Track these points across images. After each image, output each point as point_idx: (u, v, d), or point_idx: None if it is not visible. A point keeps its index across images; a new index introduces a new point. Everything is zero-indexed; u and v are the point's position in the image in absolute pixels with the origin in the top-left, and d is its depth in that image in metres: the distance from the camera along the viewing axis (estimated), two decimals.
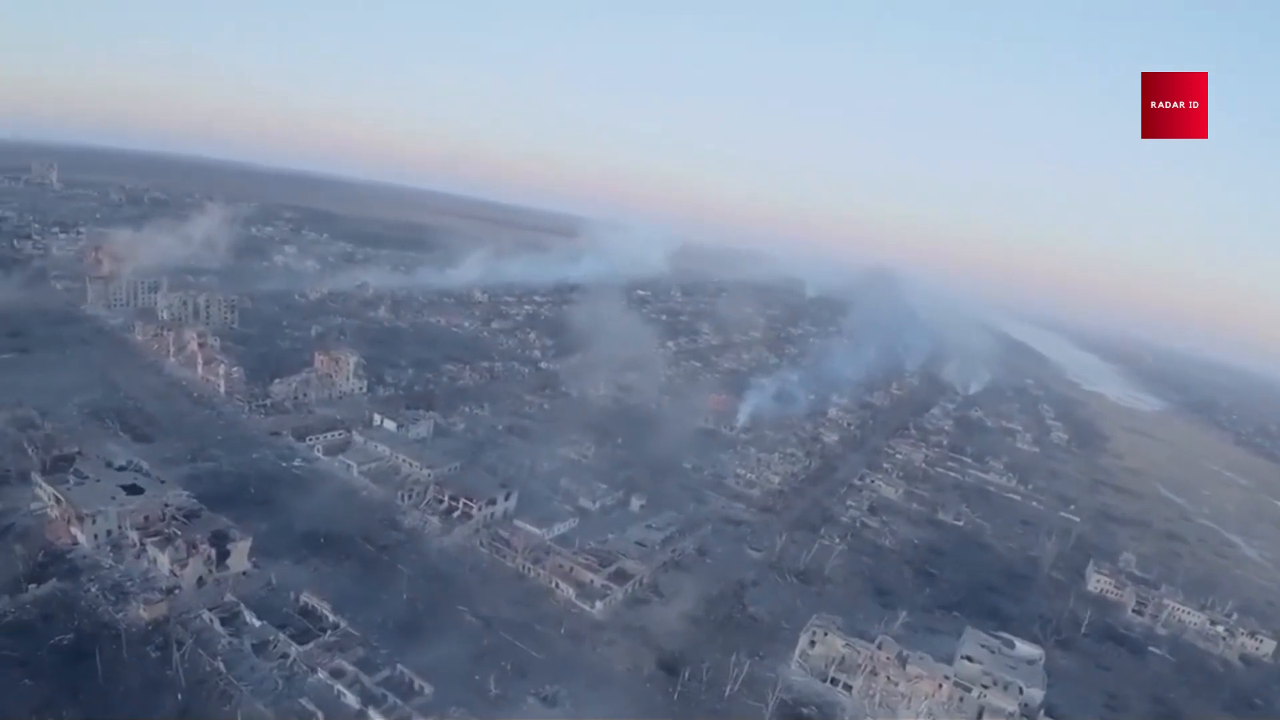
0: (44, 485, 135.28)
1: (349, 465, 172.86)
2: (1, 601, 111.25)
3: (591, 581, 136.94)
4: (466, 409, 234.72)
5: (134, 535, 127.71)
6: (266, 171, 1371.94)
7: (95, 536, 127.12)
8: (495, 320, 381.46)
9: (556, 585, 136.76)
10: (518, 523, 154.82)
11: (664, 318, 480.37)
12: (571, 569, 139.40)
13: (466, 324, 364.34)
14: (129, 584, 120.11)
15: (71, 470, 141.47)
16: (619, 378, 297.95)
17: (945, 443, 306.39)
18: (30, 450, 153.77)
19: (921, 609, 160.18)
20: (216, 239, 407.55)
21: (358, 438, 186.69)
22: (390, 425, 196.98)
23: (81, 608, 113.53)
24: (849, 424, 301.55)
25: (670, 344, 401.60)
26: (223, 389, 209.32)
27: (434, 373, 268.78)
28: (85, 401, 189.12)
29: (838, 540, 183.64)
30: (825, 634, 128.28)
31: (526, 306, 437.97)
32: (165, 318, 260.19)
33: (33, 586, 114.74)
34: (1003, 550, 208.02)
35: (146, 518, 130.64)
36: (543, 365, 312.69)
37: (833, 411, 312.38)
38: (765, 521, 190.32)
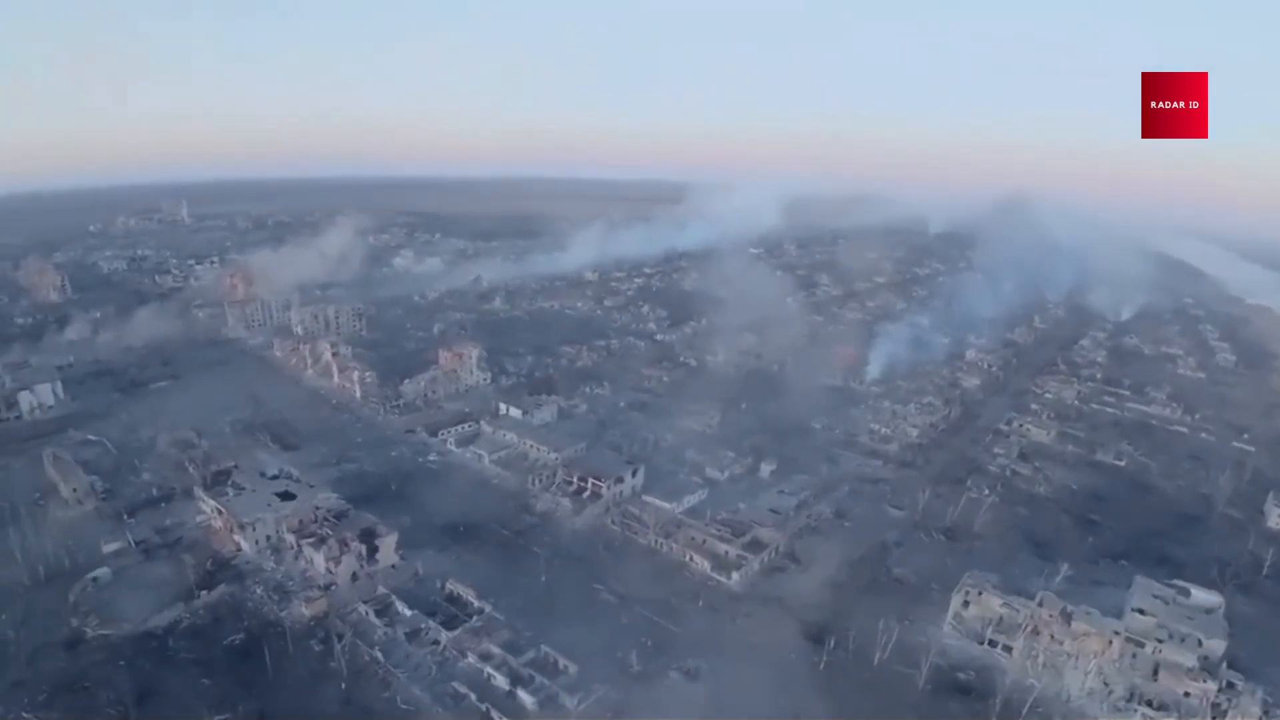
0: (206, 499, 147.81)
1: (480, 455, 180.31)
2: (176, 609, 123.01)
3: (726, 553, 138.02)
4: (587, 389, 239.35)
5: (291, 538, 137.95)
6: (375, 181, 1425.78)
7: (256, 542, 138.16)
8: (607, 298, 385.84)
9: (690, 558, 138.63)
10: (647, 498, 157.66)
11: (780, 274, 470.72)
12: (704, 541, 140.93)
13: (580, 305, 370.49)
14: (290, 584, 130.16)
15: (230, 483, 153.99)
16: (737, 341, 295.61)
17: (1099, 376, 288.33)
18: (191, 468, 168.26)
19: (1085, 560, 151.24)
20: (338, 253, 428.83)
21: (486, 428, 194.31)
22: (516, 413, 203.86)
23: (249, 609, 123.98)
24: (989, 365, 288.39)
25: (789, 300, 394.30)
26: (358, 394, 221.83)
27: (553, 356, 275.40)
28: (236, 419, 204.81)
29: (986, 492, 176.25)
30: (980, 593, 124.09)
31: (637, 280, 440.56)
32: (300, 332, 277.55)
33: (204, 593, 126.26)
34: (1171, 490, 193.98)
35: (301, 521, 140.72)
36: (659, 337, 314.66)
37: (970, 354, 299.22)
38: (905, 478, 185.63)
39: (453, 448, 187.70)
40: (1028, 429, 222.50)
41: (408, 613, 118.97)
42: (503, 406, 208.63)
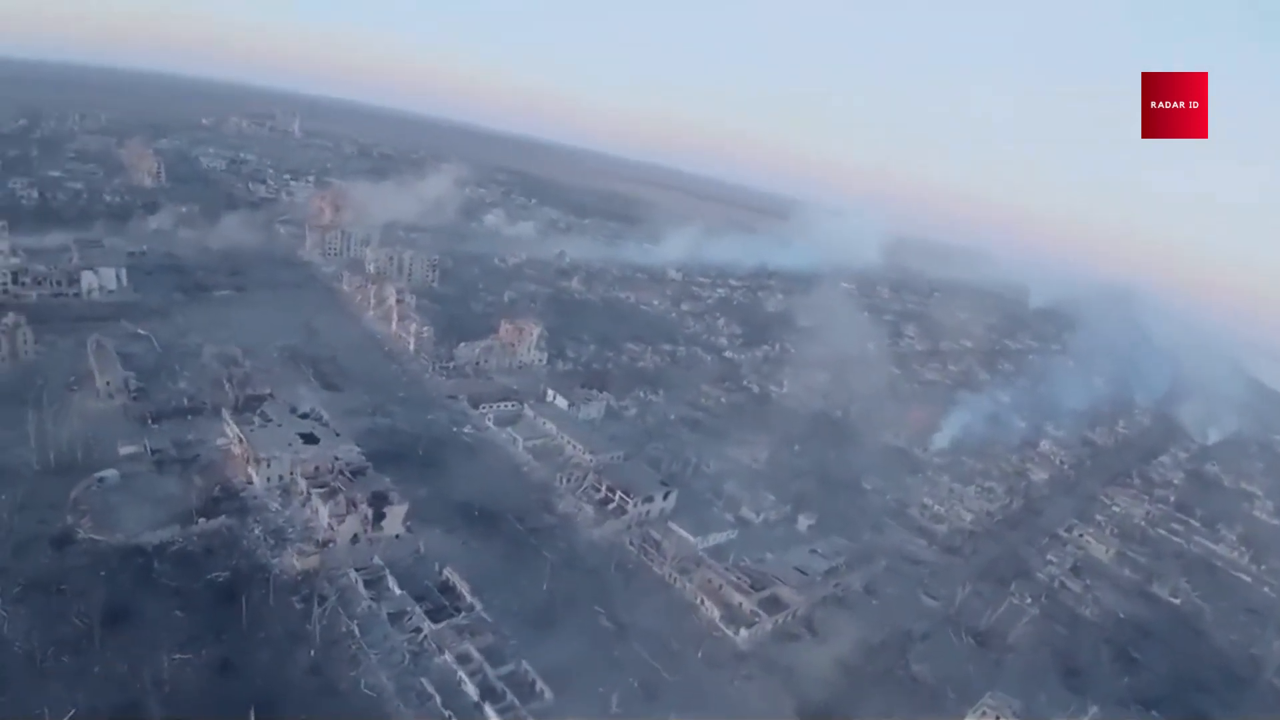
0: (231, 423, 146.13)
1: (515, 439, 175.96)
2: (172, 529, 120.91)
3: (740, 604, 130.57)
4: (641, 393, 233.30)
5: (303, 483, 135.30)
6: (485, 132, 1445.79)
7: (268, 479, 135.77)
8: (686, 301, 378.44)
9: (702, 602, 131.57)
10: (672, 525, 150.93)
11: (866, 315, 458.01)
12: (721, 587, 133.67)
13: (656, 303, 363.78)
14: (289, 530, 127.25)
15: (259, 411, 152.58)
16: (807, 376, 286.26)
17: (1172, 499, 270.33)
18: (228, 386, 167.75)
19: (1115, 701, 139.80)
20: (431, 198, 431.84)
21: (528, 412, 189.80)
22: (562, 403, 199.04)
23: (242, 547, 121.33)
24: (1062, 462, 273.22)
25: (870, 345, 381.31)
26: (411, 346, 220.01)
27: (615, 351, 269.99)
28: (286, 345, 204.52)
29: (1029, 600, 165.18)
30: (998, 718, 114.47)
31: (720, 290, 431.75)
32: (371, 271, 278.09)
33: (202, 520, 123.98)
34: (1222, 641, 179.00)
35: (317, 468, 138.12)
36: (727, 354, 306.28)
37: (1045, 444, 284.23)
38: (948, 565, 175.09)
39: (490, 424, 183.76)
40: (1087, 541, 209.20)
41: (397, 591, 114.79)
42: (551, 393, 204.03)
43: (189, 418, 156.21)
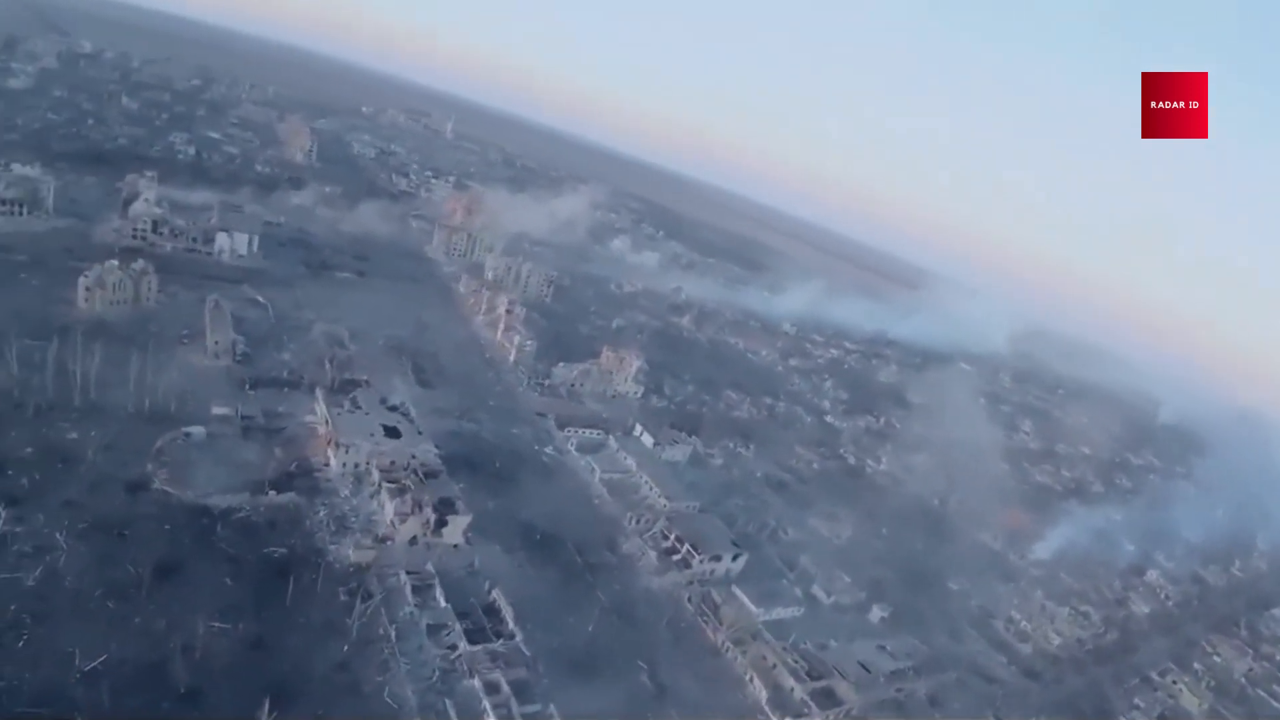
0: (321, 403, 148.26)
1: (593, 469, 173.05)
2: (241, 497, 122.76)
3: (792, 690, 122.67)
4: (731, 443, 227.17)
5: (376, 475, 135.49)
6: (631, 159, 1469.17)
7: (344, 465, 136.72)
8: (795, 357, 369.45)
9: (751, 679, 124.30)
10: (736, 590, 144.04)
11: (981, 401, 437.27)
12: (774, 666, 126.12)
13: (764, 353, 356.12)
14: (353, 519, 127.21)
15: (351, 396, 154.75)
16: (909, 456, 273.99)
17: (1279, 658, 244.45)
18: (328, 367, 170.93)
19: None
20: (561, 216, 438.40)
21: (612, 443, 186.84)
22: (648, 440, 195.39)
23: (304, 527, 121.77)
24: (1167, 597, 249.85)
25: (981, 435, 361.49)
26: (512, 358, 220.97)
27: (712, 395, 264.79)
28: (392, 335, 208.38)
29: None
30: None
31: (832, 351, 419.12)
32: (489, 278, 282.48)
33: (273, 492, 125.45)
34: None
35: (392, 462, 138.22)
36: (828, 419, 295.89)
37: (1152, 575, 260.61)
38: (1025, 690, 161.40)
39: (572, 449, 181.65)
40: (1180, 690, 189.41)
41: (442, 603, 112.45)
42: (638, 428, 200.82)
43: (285, 390, 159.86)
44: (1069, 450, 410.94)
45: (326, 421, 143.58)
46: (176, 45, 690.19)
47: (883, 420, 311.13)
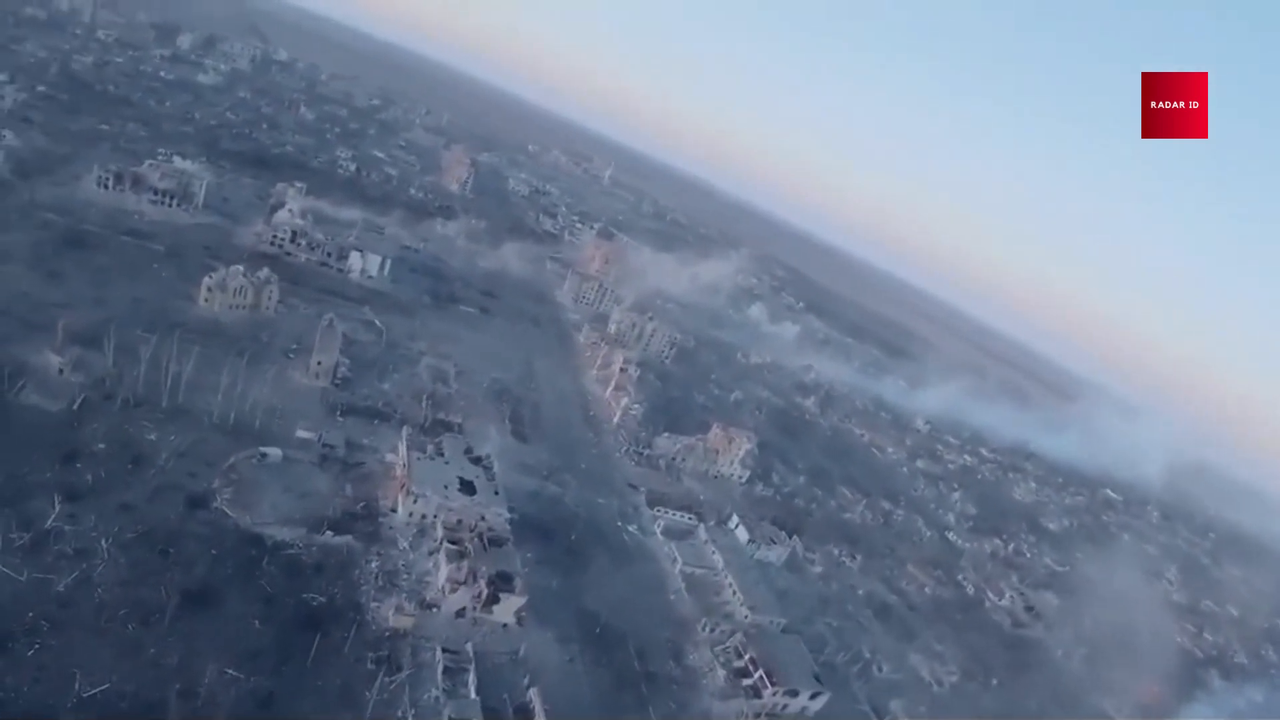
0: (402, 444, 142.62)
1: (676, 559, 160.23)
2: (299, 532, 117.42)
3: None
4: (835, 550, 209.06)
5: (440, 532, 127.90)
6: (786, 225, 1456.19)
7: (410, 514, 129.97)
8: (923, 458, 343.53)
9: None
10: None
11: (1125, 536, 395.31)
12: None
13: (890, 450, 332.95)
14: (404, 576, 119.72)
15: (437, 440, 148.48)
16: (1034, 594, 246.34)
17: None
18: (425, 404, 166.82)
19: None
20: (701, 277, 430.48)
21: (701, 533, 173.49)
22: (742, 535, 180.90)
23: (352, 576, 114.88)
24: None
25: (1119, 577, 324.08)
26: (615, 420, 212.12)
27: (825, 490, 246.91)
28: (498, 378, 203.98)
29: None
30: None
31: (966, 457, 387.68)
32: (612, 330, 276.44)
33: (329, 533, 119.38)
34: None
35: (460, 520, 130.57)
36: (950, 535, 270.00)
37: None
38: None
39: (658, 532, 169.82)
40: None
41: (473, 694, 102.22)
42: (735, 519, 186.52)
43: (375, 421, 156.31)
44: (1215, 609, 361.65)
45: (404, 464, 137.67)
46: (367, 64, 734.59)
47: (1011, 546, 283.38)
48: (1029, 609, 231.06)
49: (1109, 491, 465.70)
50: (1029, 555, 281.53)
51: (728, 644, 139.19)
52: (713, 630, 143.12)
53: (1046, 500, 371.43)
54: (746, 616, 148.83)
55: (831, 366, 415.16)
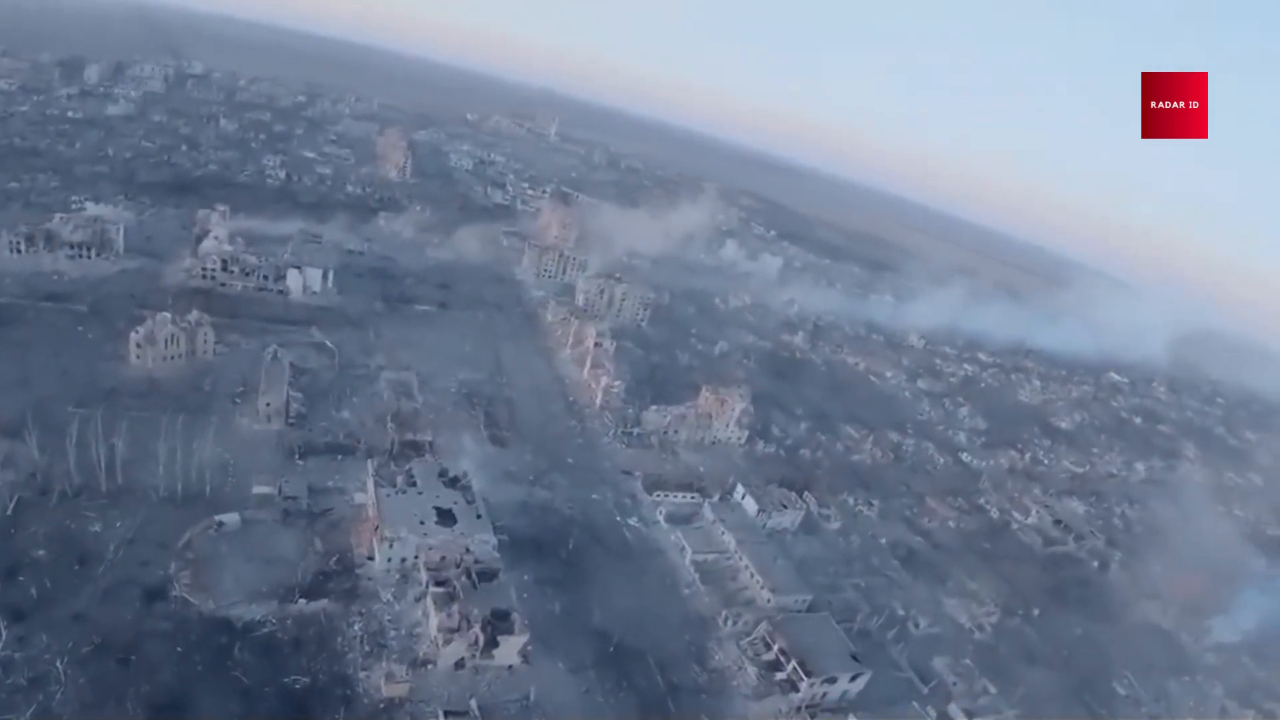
0: (370, 481, 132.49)
1: (684, 548, 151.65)
2: (269, 606, 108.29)
3: None
4: (850, 498, 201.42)
5: (424, 575, 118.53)
6: (738, 150, 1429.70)
7: (389, 561, 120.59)
8: (924, 378, 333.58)
9: None
10: None
11: (1138, 420, 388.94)
12: None
13: (889, 374, 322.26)
14: (391, 633, 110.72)
15: (406, 469, 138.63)
16: (1059, 503, 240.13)
17: None
18: (390, 427, 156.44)
19: None
20: (667, 225, 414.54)
21: (707, 512, 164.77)
22: (750, 505, 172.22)
23: (334, 647, 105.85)
24: None
25: (1139, 465, 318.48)
26: (598, 401, 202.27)
27: (829, 433, 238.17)
28: (466, 380, 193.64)
29: None
30: None
31: (967, 367, 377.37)
32: (579, 302, 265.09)
33: (303, 600, 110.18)
34: None
35: (443, 558, 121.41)
36: (965, 457, 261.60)
37: None
38: None
39: (661, 520, 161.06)
40: None
41: None
42: (740, 490, 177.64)
43: (339, 458, 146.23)
44: (1238, 480, 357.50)
45: (374, 504, 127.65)
46: (287, 60, 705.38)
47: (1028, 456, 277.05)
48: (1057, 523, 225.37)
49: (1114, 375, 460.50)
50: (1046, 463, 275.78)
51: (754, 636, 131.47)
52: (735, 623, 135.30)
53: (1054, 397, 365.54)
54: (769, 601, 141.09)
55: (815, 295, 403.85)
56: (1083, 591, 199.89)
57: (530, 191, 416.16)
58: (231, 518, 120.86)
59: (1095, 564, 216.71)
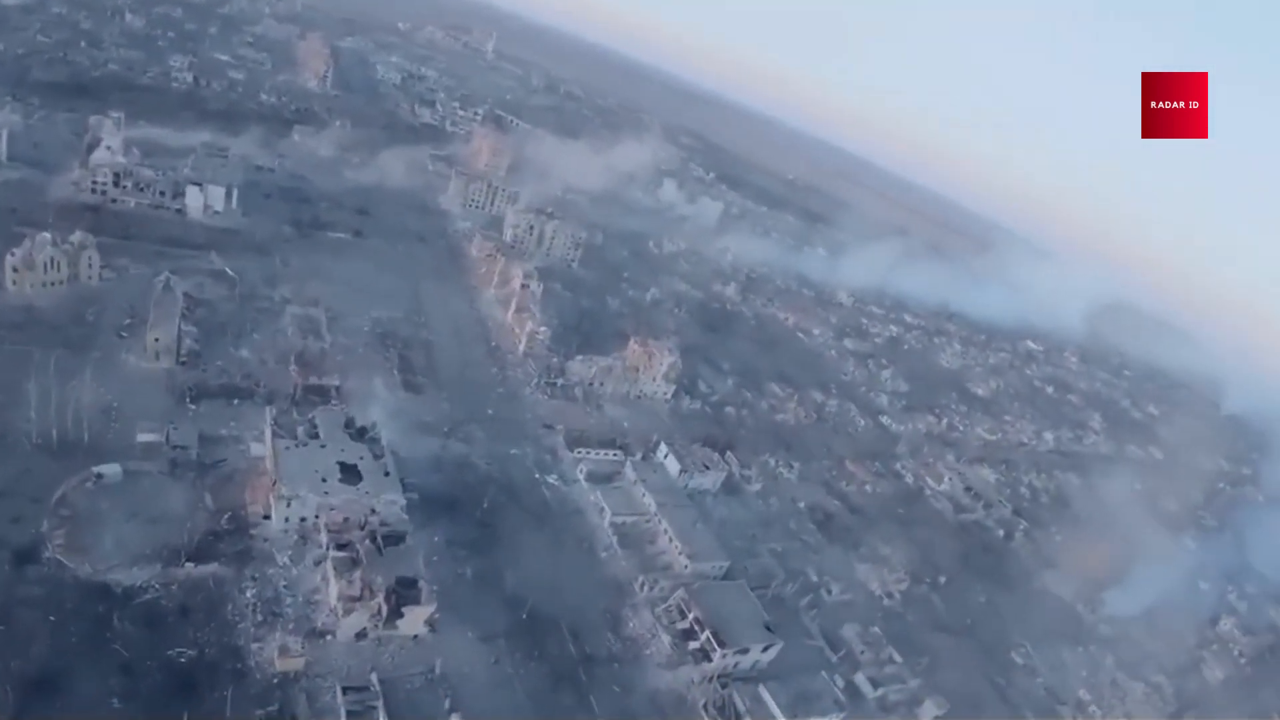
0: (267, 431, 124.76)
1: (603, 509, 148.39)
2: (152, 570, 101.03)
3: None
4: (771, 459, 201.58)
5: (324, 536, 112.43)
6: (681, 85, 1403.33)
7: (286, 521, 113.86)
8: (850, 337, 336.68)
9: None
10: (764, 694, 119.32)
11: (1049, 389, 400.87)
12: None
13: (816, 332, 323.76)
14: (287, 600, 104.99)
15: (310, 418, 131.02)
16: (970, 470, 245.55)
17: None
18: (294, 370, 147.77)
19: None
20: (603, 158, 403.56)
21: (629, 472, 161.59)
22: (673, 466, 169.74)
23: (224, 615, 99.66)
24: (1240, 653, 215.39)
25: (1048, 435, 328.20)
26: (521, 347, 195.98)
27: (755, 390, 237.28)
28: (381, 317, 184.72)
29: None
30: None
31: (892, 328, 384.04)
32: (507, 238, 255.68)
33: (190, 564, 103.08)
34: None
35: (346, 519, 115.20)
36: (885, 420, 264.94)
37: (1226, 624, 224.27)
38: None
39: (581, 479, 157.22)
40: None
41: None
42: (663, 448, 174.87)
43: (235, 403, 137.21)
44: (1139, 454, 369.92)
45: (272, 456, 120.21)
46: None
47: (945, 422, 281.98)
48: (968, 490, 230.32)
49: (1030, 343, 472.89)
50: (962, 429, 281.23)
51: (669, 603, 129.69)
52: (651, 589, 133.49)
53: (972, 363, 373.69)
54: (686, 567, 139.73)
55: (750, 244, 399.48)
56: (989, 560, 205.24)
57: (461, 112, 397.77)
58: (112, 469, 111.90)
59: (1001, 533, 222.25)
